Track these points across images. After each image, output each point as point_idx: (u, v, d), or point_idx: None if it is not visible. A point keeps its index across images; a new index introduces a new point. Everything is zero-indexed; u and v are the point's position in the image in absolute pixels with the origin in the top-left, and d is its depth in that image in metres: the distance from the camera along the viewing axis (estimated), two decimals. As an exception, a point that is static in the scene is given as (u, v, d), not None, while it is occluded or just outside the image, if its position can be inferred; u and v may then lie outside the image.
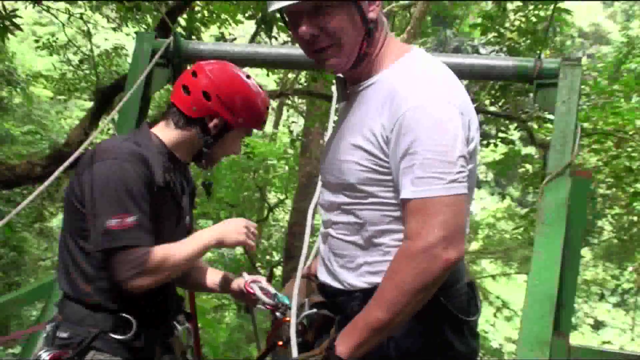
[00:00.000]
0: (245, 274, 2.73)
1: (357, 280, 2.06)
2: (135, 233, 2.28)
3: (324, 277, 2.18)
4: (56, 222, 15.47)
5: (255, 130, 2.75)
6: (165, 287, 2.52)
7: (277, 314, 2.56)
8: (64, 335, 2.37)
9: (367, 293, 1.97)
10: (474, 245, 20.01)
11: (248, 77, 2.58)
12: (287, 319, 2.31)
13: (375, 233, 1.99)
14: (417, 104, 1.83)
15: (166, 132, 2.54)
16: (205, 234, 2.47)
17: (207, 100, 2.48)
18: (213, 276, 2.84)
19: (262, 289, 2.63)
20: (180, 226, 2.60)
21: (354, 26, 1.94)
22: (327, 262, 2.15)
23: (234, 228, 2.48)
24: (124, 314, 2.39)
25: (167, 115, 2.57)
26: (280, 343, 2.56)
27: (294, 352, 2.03)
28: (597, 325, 28.82)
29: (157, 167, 2.41)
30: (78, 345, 2.34)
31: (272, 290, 2.62)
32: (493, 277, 21.86)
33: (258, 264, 15.36)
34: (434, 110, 1.82)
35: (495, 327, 23.00)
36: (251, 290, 2.62)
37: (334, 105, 2.82)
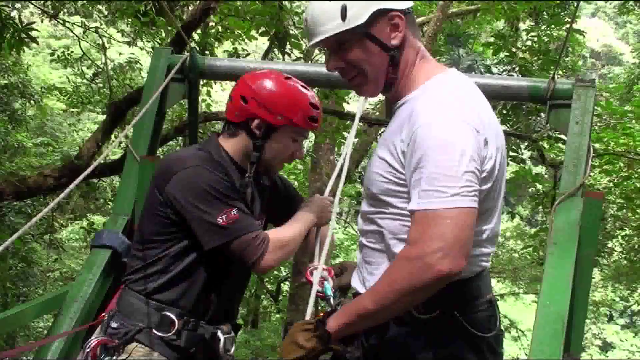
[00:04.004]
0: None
1: None
2: (244, 221, 2.50)
3: (355, 283, 2.27)
4: (66, 233, 15.50)
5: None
6: (216, 294, 2.64)
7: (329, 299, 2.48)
8: (114, 325, 2.59)
9: None
10: (483, 264, 19.85)
11: (287, 78, 2.66)
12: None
13: (394, 242, 2.07)
14: (428, 121, 1.93)
15: (226, 142, 2.68)
16: (305, 216, 2.72)
17: (244, 104, 2.60)
18: None
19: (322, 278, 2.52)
20: None
21: (374, 55, 2.09)
22: (361, 268, 2.24)
23: (323, 208, 2.78)
24: (168, 313, 2.54)
25: (223, 129, 2.73)
26: None
27: (308, 316, 2.19)
28: (605, 347, 28.62)
29: (232, 173, 2.59)
30: (123, 336, 2.54)
31: (329, 286, 2.49)
32: (501, 296, 21.70)
33: (265, 279, 15.33)
34: (442, 127, 1.92)
35: (502, 347, 22.84)
36: (310, 279, 2.55)
37: (356, 124, 2.95)
